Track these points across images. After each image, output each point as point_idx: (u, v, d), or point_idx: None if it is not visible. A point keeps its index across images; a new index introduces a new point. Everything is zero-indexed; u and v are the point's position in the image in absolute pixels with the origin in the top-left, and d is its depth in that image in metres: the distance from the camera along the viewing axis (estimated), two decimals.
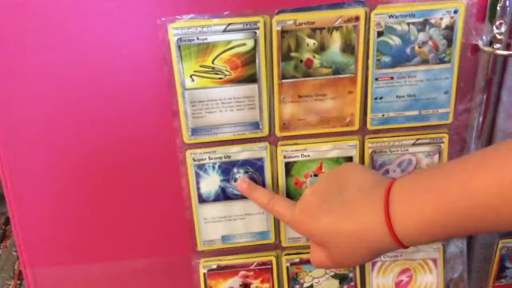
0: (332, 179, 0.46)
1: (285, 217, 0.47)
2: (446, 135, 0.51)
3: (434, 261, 0.54)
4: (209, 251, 0.53)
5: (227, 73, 0.47)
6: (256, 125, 0.49)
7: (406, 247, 0.40)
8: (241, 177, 0.51)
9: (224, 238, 0.53)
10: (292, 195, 0.52)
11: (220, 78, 0.47)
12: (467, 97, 0.50)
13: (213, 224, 0.52)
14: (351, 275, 0.55)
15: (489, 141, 0.51)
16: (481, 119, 0.50)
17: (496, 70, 0.49)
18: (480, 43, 0.47)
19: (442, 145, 0.51)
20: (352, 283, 0.56)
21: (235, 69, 0.47)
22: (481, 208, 0.35)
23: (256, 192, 0.50)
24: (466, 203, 0.36)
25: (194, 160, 0.50)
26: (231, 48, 0.46)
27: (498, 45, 0.46)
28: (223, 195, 0.51)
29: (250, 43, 0.46)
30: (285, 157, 0.51)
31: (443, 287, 0.55)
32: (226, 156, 0.50)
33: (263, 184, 0.51)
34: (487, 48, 0.47)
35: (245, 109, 0.49)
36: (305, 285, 0.55)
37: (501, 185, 0.34)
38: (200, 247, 0.53)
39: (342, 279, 0.55)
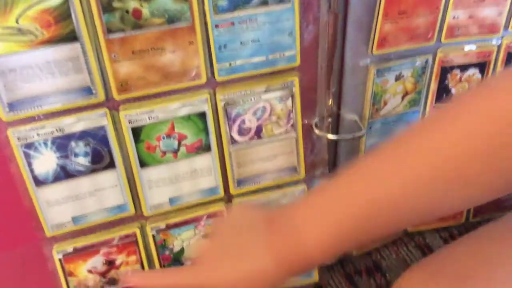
0: (229, 224, 0.43)
1: (189, 279, 0.40)
2: (296, 79, 0.49)
3: None
4: (61, 235, 0.48)
5: (38, 33, 0.40)
6: (88, 90, 0.43)
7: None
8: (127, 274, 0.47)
9: (75, 220, 0.47)
10: (145, 160, 0.48)
11: (31, 40, 0.40)
12: (311, 36, 0.48)
13: (59, 206, 0.46)
14: None
15: (340, 80, 0.50)
16: (328, 57, 0.49)
17: (339, 3, 0.48)
18: None
19: (293, 88, 0.50)
20: None
21: (47, 28, 0.40)
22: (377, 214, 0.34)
23: (147, 278, 0.43)
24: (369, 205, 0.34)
25: (19, 139, 0.43)
26: (36, 3, 0.39)
27: None
28: (64, 174, 0.45)
29: None
30: (130, 122, 0.46)
31: None
32: (58, 130, 0.43)
33: (110, 154, 0.46)
34: None
35: (70, 74, 0.42)
36: (176, 249, 0.53)
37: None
38: (49, 233, 0.47)
39: None
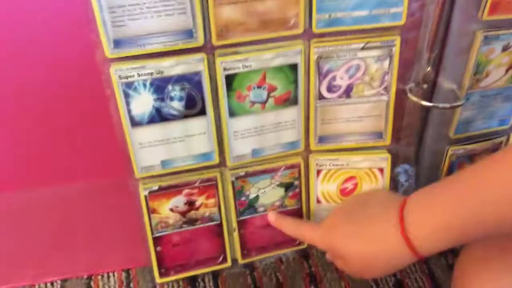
0: (360, 200, 0.50)
1: (312, 235, 0.50)
2: (398, 38, 0.47)
3: (381, 170, 0.54)
4: (148, 177, 0.49)
5: None
6: (189, 33, 0.43)
7: (422, 256, 0.40)
8: (269, 211, 0.54)
9: (164, 163, 0.48)
10: (234, 110, 0.48)
11: None
12: None
13: (150, 149, 0.47)
14: (296, 182, 0.55)
15: (442, 46, 0.48)
16: (434, 20, 0.46)
17: None
18: None
19: (393, 48, 0.47)
20: (297, 190, 0.56)
21: None
22: (493, 207, 0.35)
23: (284, 223, 0.53)
24: (478, 207, 0.36)
25: (120, 77, 0.43)
26: None
27: None
28: (159, 116, 0.46)
29: None
30: (225, 69, 0.45)
31: None
32: (158, 72, 0.44)
33: (203, 101, 0.46)
34: None
35: (174, 15, 0.41)
36: (251, 196, 0.54)
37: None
38: (138, 174, 0.48)
39: (287, 187, 0.55)
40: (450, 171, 0.56)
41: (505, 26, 0.47)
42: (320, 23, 0.45)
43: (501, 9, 0.46)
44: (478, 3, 0.46)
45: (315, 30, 0.45)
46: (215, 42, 0.44)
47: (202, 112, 0.47)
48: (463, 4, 0.46)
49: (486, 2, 0.45)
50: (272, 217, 0.54)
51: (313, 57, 0.47)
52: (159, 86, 0.44)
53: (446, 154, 0.54)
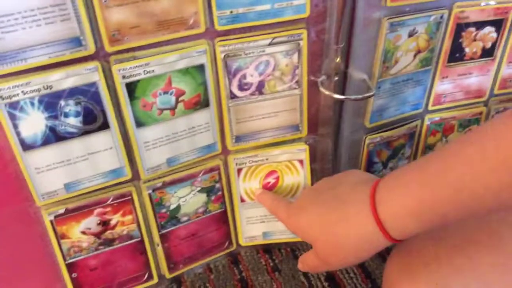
0: (330, 180, 0.47)
1: (282, 215, 0.48)
2: (305, 31, 0.45)
3: (301, 162, 0.53)
4: (52, 203, 0.45)
5: None
6: (77, 41, 0.38)
7: (394, 239, 0.38)
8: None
9: (68, 186, 0.44)
10: (142, 119, 0.44)
11: None
12: None
13: (49, 172, 0.43)
14: (217, 185, 0.53)
15: (350, 36, 0.46)
16: (339, 10, 0.45)
17: None
18: None
19: (301, 42, 0.46)
20: (220, 192, 0.54)
21: None
22: (469, 188, 0.33)
23: (263, 199, 0.53)
24: (449, 187, 0.34)
25: (2, 98, 0.38)
26: None
27: None
28: (54, 136, 0.41)
29: None
30: (124, 77, 0.42)
31: (311, 185, 0.55)
32: (46, 87, 0.39)
33: (104, 114, 0.42)
34: None
35: (57, 22, 0.37)
36: (172, 206, 0.51)
37: (484, 155, 0.32)
38: (39, 202, 0.44)
39: (209, 191, 0.52)
40: (369, 160, 0.56)
41: (410, 11, 0.47)
42: (222, 20, 0.43)
43: None
44: None
45: (218, 28, 0.43)
46: (108, 48, 0.40)
47: (105, 126, 0.43)
48: None
49: None
50: (257, 192, 0.53)
51: (220, 56, 0.45)
52: (50, 103, 0.40)
53: (364, 143, 0.54)
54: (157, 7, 0.40)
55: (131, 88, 0.43)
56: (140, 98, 0.44)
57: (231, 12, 0.43)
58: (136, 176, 0.47)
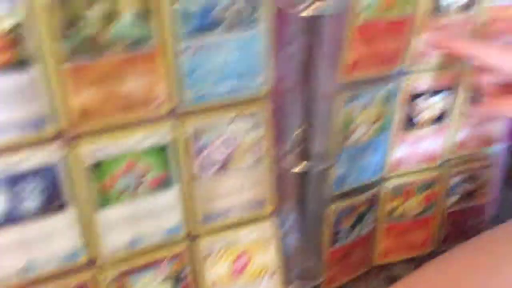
0: None
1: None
2: (267, 107, 0.46)
3: (270, 238, 0.52)
4: None
5: None
6: (37, 123, 0.37)
7: None
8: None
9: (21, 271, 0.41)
10: (102, 201, 0.43)
11: None
12: (282, 63, 0.46)
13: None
14: (183, 273, 0.50)
15: (309, 110, 0.48)
16: (298, 86, 0.47)
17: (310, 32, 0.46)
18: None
19: (263, 118, 0.47)
20: (187, 280, 0.51)
21: None
22: None
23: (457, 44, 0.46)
24: None
25: None
26: None
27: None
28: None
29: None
30: (86, 158, 0.41)
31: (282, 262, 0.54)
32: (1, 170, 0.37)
33: (62, 197, 0.41)
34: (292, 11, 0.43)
35: (18, 104, 0.36)
36: None
37: None
38: None
39: (176, 280, 0.50)
40: (336, 227, 0.56)
41: (363, 85, 0.50)
42: (186, 101, 0.43)
43: (357, 68, 0.49)
44: (335, 66, 0.48)
45: (181, 108, 0.43)
46: (70, 130, 0.39)
47: (63, 208, 0.41)
48: (322, 68, 0.47)
49: (344, 63, 0.48)
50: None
51: (183, 137, 0.45)
52: (8, 183, 0.38)
53: (329, 212, 0.55)
54: (121, 90, 0.40)
55: (93, 169, 0.41)
56: (102, 179, 0.42)
57: (195, 93, 0.43)
58: (94, 260, 0.44)
